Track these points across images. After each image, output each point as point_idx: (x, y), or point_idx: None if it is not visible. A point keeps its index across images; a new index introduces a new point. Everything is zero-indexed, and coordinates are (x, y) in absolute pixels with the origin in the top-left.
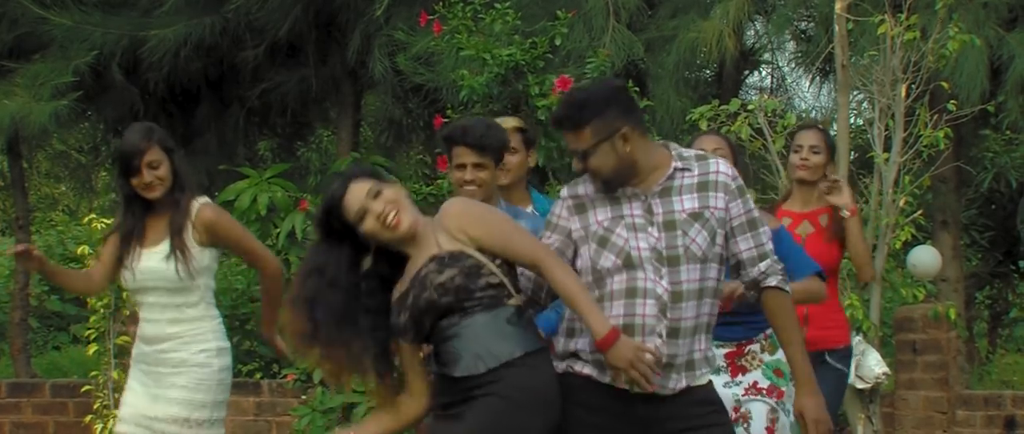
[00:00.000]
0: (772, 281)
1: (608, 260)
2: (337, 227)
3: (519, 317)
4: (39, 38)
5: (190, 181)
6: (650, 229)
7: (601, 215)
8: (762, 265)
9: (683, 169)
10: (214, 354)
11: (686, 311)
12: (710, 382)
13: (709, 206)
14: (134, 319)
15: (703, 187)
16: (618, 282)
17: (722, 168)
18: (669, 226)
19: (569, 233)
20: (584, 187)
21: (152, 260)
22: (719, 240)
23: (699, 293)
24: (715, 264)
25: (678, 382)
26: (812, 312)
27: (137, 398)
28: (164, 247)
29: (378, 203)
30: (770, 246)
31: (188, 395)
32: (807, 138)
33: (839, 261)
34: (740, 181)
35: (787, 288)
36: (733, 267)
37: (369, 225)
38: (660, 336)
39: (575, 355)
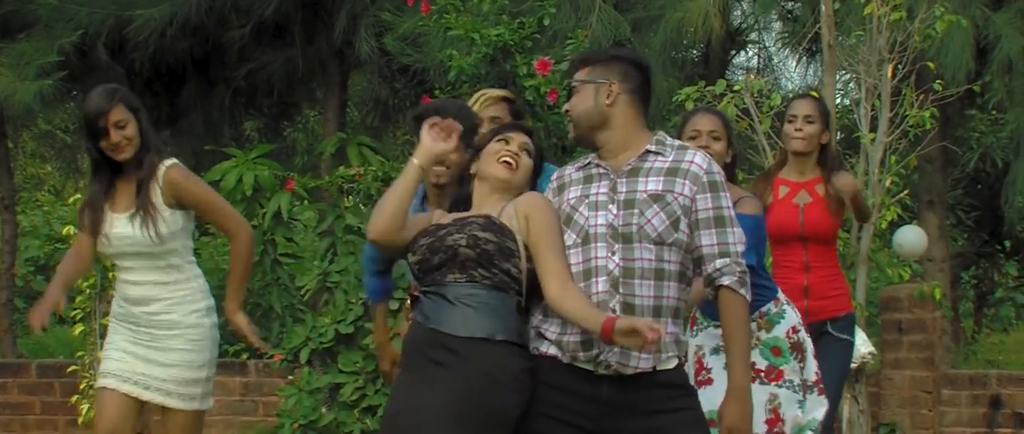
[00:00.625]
0: (726, 280)
1: (570, 238)
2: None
3: (516, 312)
4: (24, 17)
5: (156, 142)
6: (610, 207)
7: (572, 193)
8: (718, 262)
9: (656, 153)
10: (205, 313)
11: (641, 289)
12: (680, 365)
13: (673, 191)
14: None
15: (672, 172)
16: (576, 261)
17: (698, 160)
18: (628, 204)
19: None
20: (570, 168)
21: (122, 224)
22: (683, 227)
23: (657, 274)
24: (677, 249)
25: (639, 360)
26: (811, 282)
27: (126, 355)
28: (132, 210)
29: (513, 143)
30: (736, 248)
31: (188, 356)
32: (801, 108)
33: (837, 229)
34: (717, 177)
35: (742, 292)
36: (694, 261)
37: (492, 150)
38: (613, 311)
39: (541, 335)
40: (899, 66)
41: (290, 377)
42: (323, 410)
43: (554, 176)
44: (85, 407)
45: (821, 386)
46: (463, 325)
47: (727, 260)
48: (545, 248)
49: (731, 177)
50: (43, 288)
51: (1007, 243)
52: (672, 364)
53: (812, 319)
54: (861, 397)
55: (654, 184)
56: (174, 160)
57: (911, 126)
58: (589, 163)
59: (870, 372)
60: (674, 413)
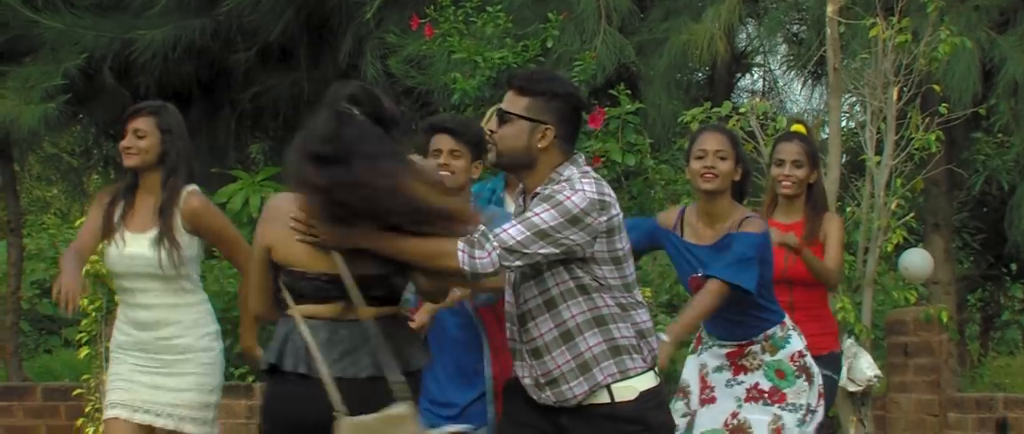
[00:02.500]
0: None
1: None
2: None
3: None
4: (30, 41)
5: (182, 168)
6: None
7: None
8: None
9: (548, 183)
10: (214, 337)
11: (539, 328)
12: (645, 398)
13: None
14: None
15: (540, 199)
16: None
17: (556, 186)
18: None
19: None
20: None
21: (139, 245)
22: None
23: (548, 305)
24: (558, 268)
25: (572, 391)
26: (797, 319)
27: (132, 384)
28: (152, 233)
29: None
30: (499, 230)
31: (200, 380)
32: (789, 152)
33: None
34: (552, 192)
35: (480, 256)
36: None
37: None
38: (524, 358)
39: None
40: (904, 89)
41: None
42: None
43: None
44: (90, 430)
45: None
46: None
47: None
48: None
49: (742, 194)
50: (49, 311)
51: (1013, 266)
52: (628, 396)
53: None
54: (867, 420)
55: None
56: (195, 187)
57: (917, 149)
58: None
59: (876, 395)
60: None
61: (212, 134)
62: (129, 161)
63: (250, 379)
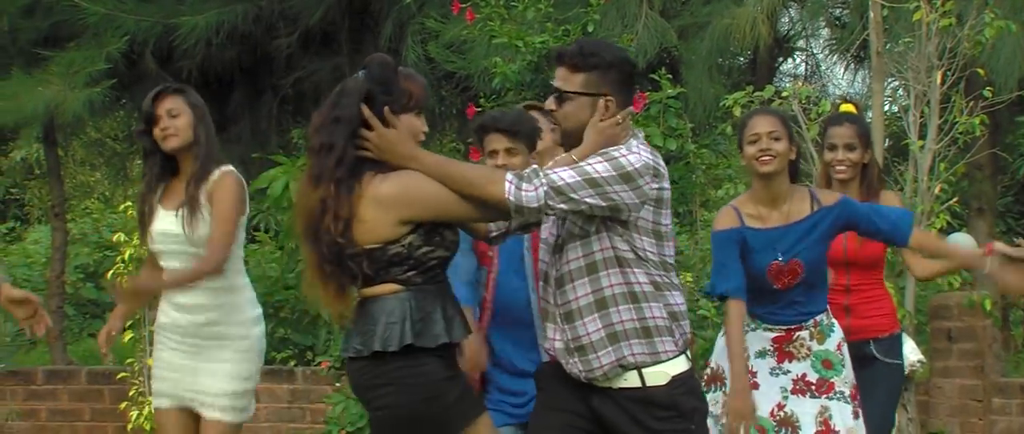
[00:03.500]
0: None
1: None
2: None
3: None
4: (73, 26)
5: (215, 148)
6: None
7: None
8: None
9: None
10: (253, 324)
11: (576, 291)
12: (679, 382)
13: None
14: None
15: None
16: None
17: (618, 146)
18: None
19: None
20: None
21: (167, 220)
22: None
23: (589, 269)
24: (603, 234)
25: (597, 367)
26: (853, 302)
27: (175, 372)
28: (178, 210)
29: None
30: (549, 171)
31: (235, 367)
32: (841, 136)
33: (883, 251)
34: (609, 150)
35: (527, 188)
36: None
37: None
38: (556, 321)
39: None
40: (948, 73)
41: (337, 384)
42: None
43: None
44: (134, 414)
45: (857, 403)
46: None
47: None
48: None
49: (797, 174)
50: (93, 295)
51: None
52: (660, 381)
53: (853, 338)
54: (911, 405)
55: None
56: (230, 167)
57: (960, 133)
58: None
59: (920, 381)
60: None
61: (254, 119)
62: (171, 142)
63: (292, 363)
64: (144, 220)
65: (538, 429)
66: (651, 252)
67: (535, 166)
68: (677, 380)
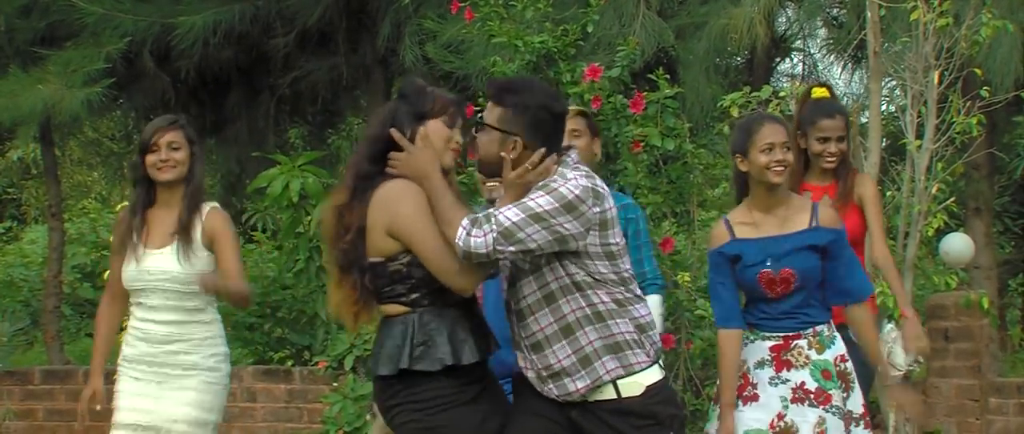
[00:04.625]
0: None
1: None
2: None
3: None
4: (70, 25)
5: (203, 183)
6: None
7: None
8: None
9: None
10: (222, 359)
11: (538, 322)
12: (652, 392)
13: None
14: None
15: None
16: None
17: (553, 177)
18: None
19: None
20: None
21: (160, 259)
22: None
23: (547, 300)
24: (555, 264)
25: (573, 385)
26: None
27: (139, 402)
28: (173, 246)
29: None
30: (497, 212)
31: (200, 397)
32: (834, 129)
33: (861, 234)
34: (547, 181)
35: (476, 234)
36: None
37: None
38: (524, 352)
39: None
40: (945, 72)
41: (335, 384)
42: (368, 417)
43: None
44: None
45: (868, 420)
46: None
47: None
48: None
49: (798, 183)
50: (90, 295)
51: None
52: (634, 391)
53: (836, 320)
54: None
55: None
56: (216, 204)
57: (958, 133)
58: None
59: (916, 380)
60: None
61: (251, 119)
62: (166, 174)
63: (289, 364)
64: (123, 249)
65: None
66: (606, 273)
67: (489, 210)
68: (652, 389)
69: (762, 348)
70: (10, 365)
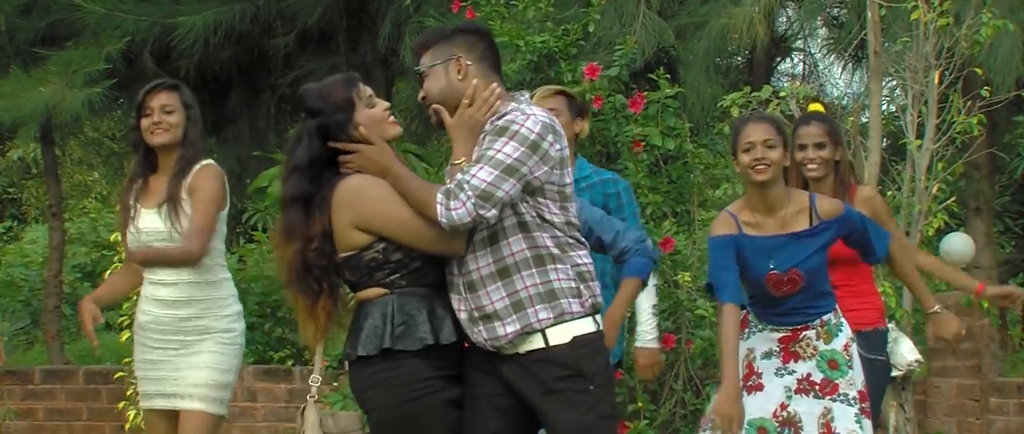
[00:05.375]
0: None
1: None
2: None
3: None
4: (71, 25)
5: (200, 147)
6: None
7: None
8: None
9: (495, 117)
10: (235, 318)
11: (478, 262)
12: (582, 342)
13: (480, 147)
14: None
15: (483, 135)
16: None
17: (501, 113)
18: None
19: None
20: None
21: (150, 218)
22: None
23: (491, 240)
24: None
25: (503, 329)
26: (839, 296)
27: (159, 371)
28: (164, 207)
29: None
30: (468, 176)
31: (216, 359)
32: (810, 136)
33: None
34: (513, 125)
35: (455, 207)
36: None
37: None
38: (460, 292)
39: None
40: (946, 72)
41: (335, 383)
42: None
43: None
44: (132, 413)
45: (866, 406)
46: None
47: (459, 177)
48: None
49: (790, 180)
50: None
51: None
52: (562, 339)
53: (854, 326)
54: (908, 405)
55: (479, 147)
56: (211, 161)
57: (958, 133)
58: None
59: (917, 380)
60: (557, 394)
61: (252, 118)
62: (159, 137)
63: (289, 363)
64: (125, 214)
65: (468, 421)
66: (556, 214)
67: (459, 176)
68: (581, 340)
69: (771, 339)
70: (10, 364)
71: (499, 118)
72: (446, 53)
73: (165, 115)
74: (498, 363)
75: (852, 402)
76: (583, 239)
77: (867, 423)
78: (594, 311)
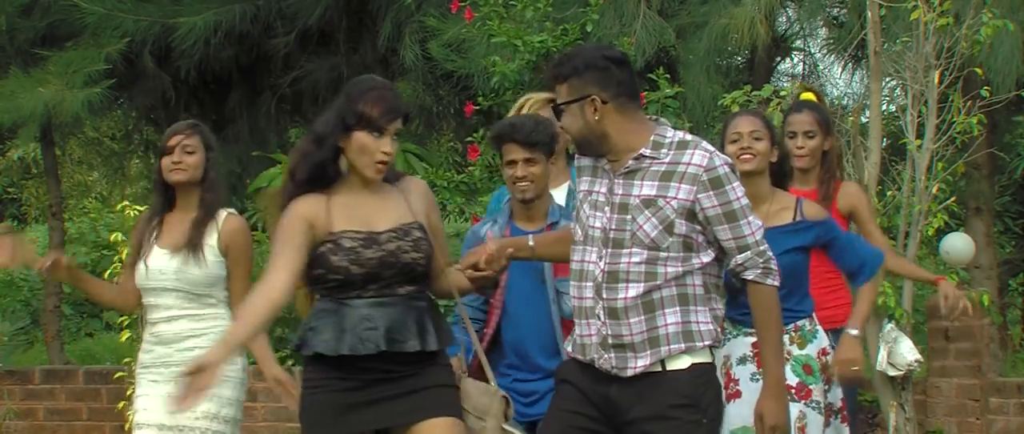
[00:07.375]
0: (749, 275)
1: (575, 232)
2: None
3: None
4: (71, 25)
5: (221, 189)
6: (606, 209)
7: (583, 186)
8: (740, 257)
9: (651, 157)
10: (238, 352)
11: (627, 291)
12: (698, 369)
13: (666, 196)
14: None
15: (668, 176)
16: (575, 259)
17: (695, 160)
18: (622, 209)
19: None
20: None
21: (165, 259)
22: (681, 229)
23: (648, 275)
24: (675, 252)
25: (635, 361)
26: (814, 293)
27: (157, 402)
28: (184, 247)
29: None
30: (754, 238)
31: (220, 390)
32: (800, 124)
33: None
34: (720, 171)
35: (769, 282)
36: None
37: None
38: (599, 317)
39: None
40: (946, 72)
41: None
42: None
43: (577, 161)
44: (131, 414)
45: (845, 413)
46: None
47: (748, 254)
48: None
49: (780, 175)
50: None
51: None
52: (682, 363)
53: (825, 325)
54: (908, 405)
55: (648, 189)
56: (234, 212)
57: (958, 132)
58: None
59: (917, 380)
60: (668, 421)
61: (252, 118)
62: (177, 176)
63: (289, 363)
64: (136, 250)
65: (547, 429)
66: (708, 254)
67: (753, 250)
68: (699, 369)
69: (744, 344)
70: (10, 364)
71: (667, 150)
72: (580, 90)
73: (185, 155)
74: (607, 385)
75: (821, 411)
76: (723, 283)
77: (839, 428)
78: (715, 345)
